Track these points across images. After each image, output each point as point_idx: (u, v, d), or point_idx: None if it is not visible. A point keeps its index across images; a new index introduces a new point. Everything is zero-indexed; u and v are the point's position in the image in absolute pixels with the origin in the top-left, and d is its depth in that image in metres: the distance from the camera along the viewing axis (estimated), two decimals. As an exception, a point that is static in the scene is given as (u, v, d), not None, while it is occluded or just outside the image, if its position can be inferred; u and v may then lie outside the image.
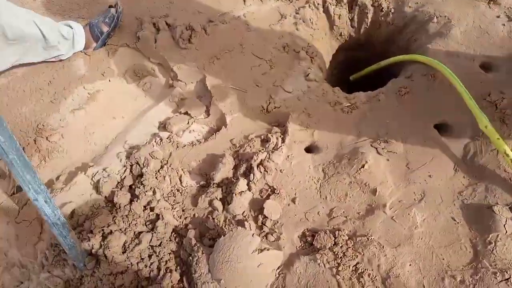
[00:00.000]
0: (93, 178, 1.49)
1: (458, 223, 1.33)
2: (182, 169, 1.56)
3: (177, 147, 1.64)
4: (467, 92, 1.54)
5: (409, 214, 1.37)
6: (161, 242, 1.35)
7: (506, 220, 1.28)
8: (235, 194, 1.42)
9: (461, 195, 1.39)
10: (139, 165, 1.52)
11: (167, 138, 1.66)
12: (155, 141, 1.64)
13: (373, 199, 1.42)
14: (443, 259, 1.27)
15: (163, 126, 1.73)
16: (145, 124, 1.72)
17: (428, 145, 1.54)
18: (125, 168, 1.53)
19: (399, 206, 1.39)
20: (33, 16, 1.58)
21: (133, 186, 1.47)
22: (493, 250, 1.24)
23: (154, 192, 1.43)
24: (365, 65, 2.21)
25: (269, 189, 1.48)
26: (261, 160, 1.52)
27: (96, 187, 1.47)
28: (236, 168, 1.55)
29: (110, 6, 1.91)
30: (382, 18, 2.10)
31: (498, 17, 1.88)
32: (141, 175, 1.50)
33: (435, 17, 1.91)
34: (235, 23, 2.01)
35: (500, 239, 1.26)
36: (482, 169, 1.43)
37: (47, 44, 1.64)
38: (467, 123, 1.55)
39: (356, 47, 2.33)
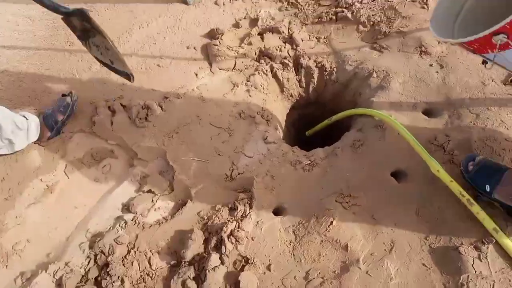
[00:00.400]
0: (55, 276, 1.40)
1: (429, 268, 1.36)
2: (150, 251, 1.51)
3: (143, 228, 1.59)
4: (414, 139, 1.64)
5: (382, 266, 1.38)
6: (134, 337, 1.26)
7: (473, 260, 1.33)
8: (208, 271, 1.38)
9: (427, 239, 1.43)
10: (103, 254, 1.45)
11: (132, 220, 1.61)
12: (119, 225, 1.59)
13: (346, 256, 1.43)
14: (423, 308, 1.28)
15: (126, 207, 1.69)
16: (107, 209, 1.67)
17: (388, 194, 1.60)
18: (89, 259, 1.46)
19: (372, 259, 1.41)
20: None
21: (99, 278, 1.40)
22: (466, 291, 1.27)
23: (122, 282, 1.36)
24: (318, 120, 2.31)
25: (243, 260, 1.45)
26: (231, 230, 1.50)
27: (59, 285, 1.38)
28: (206, 242, 1.52)
29: (64, 95, 1.92)
30: (327, 77, 2.25)
31: (431, 65, 2.06)
32: (107, 264, 1.43)
33: (374, 72, 2.07)
34: (190, 97, 2.08)
35: (471, 279, 1.29)
36: (442, 211, 1.50)
37: (1, 135, 1.61)
38: (421, 168, 1.64)
39: (307, 105, 2.46)
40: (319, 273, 1.40)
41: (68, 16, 1.48)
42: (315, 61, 2.27)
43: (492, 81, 1.89)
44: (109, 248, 1.47)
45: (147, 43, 2.41)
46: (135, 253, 1.48)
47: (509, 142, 1.65)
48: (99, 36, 1.48)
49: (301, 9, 2.54)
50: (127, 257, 1.46)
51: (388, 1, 2.39)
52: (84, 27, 1.49)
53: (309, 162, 1.79)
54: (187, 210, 1.65)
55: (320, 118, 2.28)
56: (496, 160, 1.58)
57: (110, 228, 1.60)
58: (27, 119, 1.73)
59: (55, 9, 1.42)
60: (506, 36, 1.14)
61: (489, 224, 1.38)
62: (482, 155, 1.61)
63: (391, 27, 2.25)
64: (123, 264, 1.43)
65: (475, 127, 1.72)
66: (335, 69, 2.23)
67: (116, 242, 1.50)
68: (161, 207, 1.70)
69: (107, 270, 1.39)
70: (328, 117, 2.19)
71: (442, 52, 2.08)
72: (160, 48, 2.37)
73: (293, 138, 2.43)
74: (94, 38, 1.51)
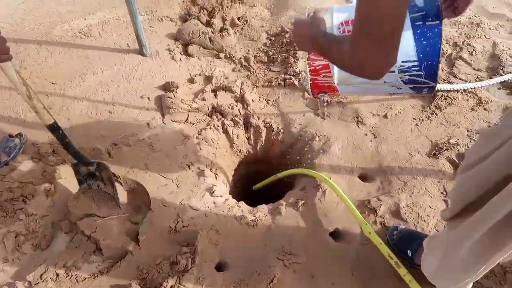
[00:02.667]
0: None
1: (362, 328, 1.42)
2: (82, 307, 1.42)
3: (76, 281, 1.51)
4: (350, 202, 1.78)
5: (319, 325, 1.42)
6: None
7: (401, 319, 1.42)
8: (145, 330, 1.32)
9: (360, 298, 1.51)
10: (30, 310, 1.35)
11: (65, 273, 1.52)
12: (50, 278, 1.49)
13: (284, 314, 1.46)
14: None
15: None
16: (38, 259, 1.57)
17: (327, 253, 1.68)
18: (12, 316, 1.34)
19: (309, 318, 1.45)
20: None
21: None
22: None
23: None
24: (264, 176, 2.41)
25: (181, 318, 1.42)
26: (171, 286, 1.48)
27: None
28: (144, 298, 1.47)
29: (11, 136, 1.85)
30: (274, 136, 2.39)
31: (366, 135, 2.28)
32: (32, 321, 1.32)
33: (317, 136, 2.25)
34: (139, 145, 2.09)
35: (399, 338, 1.37)
36: (374, 271, 1.60)
37: None
38: (356, 229, 1.76)
39: (255, 161, 2.56)
40: (258, 332, 1.41)
41: (86, 165, 1.69)
42: (263, 121, 2.41)
43: (418, 153, 2.13)
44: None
45: (100, 89, 2.41)
46: (65, 309, 1.39)
47: (433, 209, 1.84)
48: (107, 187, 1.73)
49: (253, 72, 2.72)
50: (56, 313, 1.37)
51: (331, 74, 2.65)
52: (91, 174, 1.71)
53: (253, 218, 1.84)
54: (125, 263, 1.60)
55: (267, 175, 2.38)
56: (422, 226, 1.76)
57: (38, 280, 1.49)
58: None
59: (81, 160, 1.67)
60: (325, 93, 1.49)
61: (415, 286, 1.49)
62: (409, 220, 1.78)
63: (332, 97, 2.48)
64: (51, 321, 1.33)
65: (403, 194, 1.91)
66: (281, 130, 2.37)
67: (45, 297, 1.40)
68: (96, 259, 1.62)
69: (32, 327, 1.29)
70: (274, 173, 2.30)
71: (375, 123, 2.32)
72: (113, 96, 2.38)
73: (240, 193, 2.49)
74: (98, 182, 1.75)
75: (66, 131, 2.01)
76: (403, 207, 1.83)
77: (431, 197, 1.89)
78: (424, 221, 1.78)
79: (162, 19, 3.08)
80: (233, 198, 2.04)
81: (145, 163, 2.01)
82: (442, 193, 1.91)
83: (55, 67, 2.53)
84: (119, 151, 2.01)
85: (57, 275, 1.51)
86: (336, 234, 1.79)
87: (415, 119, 2.33)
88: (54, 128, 1.51)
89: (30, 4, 3.10)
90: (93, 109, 2.25)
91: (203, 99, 2.44)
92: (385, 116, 2.35)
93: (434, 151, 2.11)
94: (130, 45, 2.79)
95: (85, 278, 1.53)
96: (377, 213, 1.81)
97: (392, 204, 1.85)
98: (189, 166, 2.07)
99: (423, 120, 2.32)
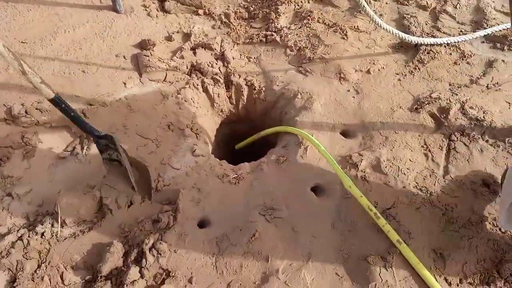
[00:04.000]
0: None
1: (342, 277, 1.46)
2: (63, 265, 1.42)
3: (57, 241, 1.50)
4: (331, 157, 1.78)
5: (299, 276, 1.46)
6: None
7: (380, 269, 1.46)
8: (126, 285, 1.33)
9: (341, 250, 1.54)
10: (11, 271, 1.33)
11: (45, 233, 1.51)
12: (29, 236, 1.47)
13: (266, 266, 1.49)
14: (335, 314, 1.36)
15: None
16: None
17: (308, 207, 1.70)
18: (-8, 276, 1.33)
19: (290, 269, 1.48)
20: None
21: (3, 295, 1.28)
22: (374, 298, 1.39)
23: (29, 299, 1.26)
24: (247, 135, 2.39)
25: (164, 273, 1.43)
26: (153, 242, 1.48)
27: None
28: (126, 255, 1.47)
29: None
30: (256, 95, 2.34)
31: (348, 91, 2.25)
32: (13, 281, 1.31)
33: (299, 93, 2.21)
34: (116, 106, 2.02)
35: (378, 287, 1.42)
36: (354, 224, 1.63)
37: None
38: (337, 184, 1.77)
39: (237, 120, 2.53)
40: (240, 284, 1.43)
41: (99, 138, 1.55)
42: (245, 79, 2.35)
43: (400, 107, 2.12)
44: (17, 264, 1.36)
45: (72, 47, 2.30)
46: (46, 268, 1.39)
47: (413, 162, 1.85)
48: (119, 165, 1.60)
49: (233, 29, 2.63)
50: (37, 271, 1.36)
51: (313, 29, 2.58)
52: (108, 147, 1.57)
53: (235, 175, 1.83)
54: (107, 223, 1.59)
55: (249, 134, 2.36)
56: (402, 179, 1.77)
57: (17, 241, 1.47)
58: None
59: (91, 133, 1.52)
60: None
61: (393, 236, 1.53)
62: (390, 173, 1.79)
63: (314, 53, 2.42)
64: (32, 279, 1.32)
65: (384, 148, 1.91)
66: (263, 88, 2.33)
67: (25, 258, 1.39)
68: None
69: (14, 285, 1.28)
70: (257, 132, 2.27)
71: (358, 79, 2.29)
72: (86, 54, 2.28)
73: (223, 152, 2.47)
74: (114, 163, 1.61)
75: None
76: (384, 161, 1.84)
77: (411, 150, 1.90)
78: (404, 174, 1.80)
79: (136, -27, 2.92)
80: (215, 158, 2.02)
81: (123, 123, 1.95)
82: (422, 146, 1.92)
83: (24, 26, 2.39)
84: (95, 111, 1.94)
85: (36, 233, 1.49)
86: (317, 189, 1.80)
87: (398, 74, 2.30)
88: (56, 102, 1.41)
89: (-8, -42, 2.88)
90: (66, 68, 2.15)
91: (182, 57, 2.35)
92: (368, 72, 2.31)
93: (416, 106, 2.11)
94: (102, 1, 2.64)
95: (66, 238, 1.52)
96: (358, 168, 1.82)
97: (373, 158, 1.86)
98: (168, 126, 2.02)
99: (406, 75, 2.29)
